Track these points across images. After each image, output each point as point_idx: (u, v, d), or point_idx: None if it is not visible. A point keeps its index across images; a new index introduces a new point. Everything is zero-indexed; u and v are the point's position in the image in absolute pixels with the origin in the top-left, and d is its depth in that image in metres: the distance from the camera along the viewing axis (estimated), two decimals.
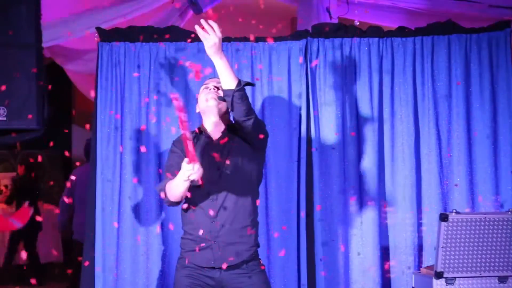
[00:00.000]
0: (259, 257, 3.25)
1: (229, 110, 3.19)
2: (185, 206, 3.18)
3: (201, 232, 3.13)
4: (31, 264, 7.52)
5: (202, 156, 3.16)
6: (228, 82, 3.02)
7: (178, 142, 3.29)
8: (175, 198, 3.12)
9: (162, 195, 3.16)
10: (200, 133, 3.28)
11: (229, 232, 3.14)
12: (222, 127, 3.25)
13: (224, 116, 3.25)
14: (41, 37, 3.31)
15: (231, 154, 3.19)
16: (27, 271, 7.44)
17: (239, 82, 3.03)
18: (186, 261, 3.18)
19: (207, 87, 3.26)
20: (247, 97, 3.07)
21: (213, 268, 3.14)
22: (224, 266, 3.11)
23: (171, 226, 3.83)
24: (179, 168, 3.01)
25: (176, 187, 3.06)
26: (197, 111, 3.33)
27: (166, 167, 3.27)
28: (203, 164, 3.01)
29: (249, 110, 3.08)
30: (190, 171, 2.91)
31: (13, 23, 3.22)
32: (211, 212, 3.13)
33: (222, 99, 3.17)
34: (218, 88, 3.21)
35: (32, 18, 3.26)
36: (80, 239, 5.36)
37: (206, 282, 3.15)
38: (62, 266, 7.79)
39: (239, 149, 3.21)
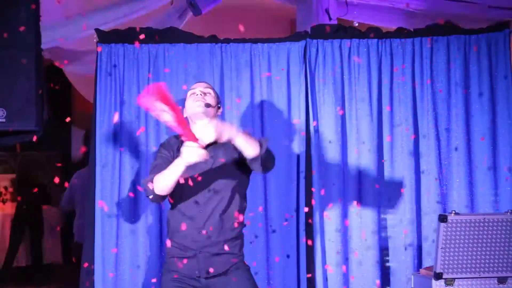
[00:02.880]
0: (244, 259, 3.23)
1: (217, 114, 3.23)
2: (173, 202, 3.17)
3: (187, 242, 3.11)
4: (34, 264, 7.51)
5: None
6: (252, 150, 2.98)
7: (168, 145, 3.25)
8: (164, 188, 3.03)
9: (150, 186, 3.06)
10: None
11: (215, 243, 3.11)
12: (210, 132, 3.17)
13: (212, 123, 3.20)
14: (41, 38, 3.30)
15: (219, 162, 3.15)
16: (29, 271, 7.44)
17: (260, 143, 3.00)
18: (171, 266, 3.16)
19: (194, 93, 3.25)
20: (268, 149, 3.06)
21: (198, 277, 3.13)
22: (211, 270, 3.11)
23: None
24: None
25: (170, 175, 2.98)
26: (185, 115, 3.26)
27: (153, 166, 3.19)
28: (186, 171, 2.99)
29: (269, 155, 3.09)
30: (194, 148, 2.87)
31: (13, 24, 3.21)
32: (198, 222, 3.10)
33: (209, 105, 3.17)
34: (205, 94, 3.21)
35: (32, 20, 3.26)
36: (82, 241, 5.38)
37: (192, 285, 3.12)
38: (61, 267, 7.79)
39: (228, 156, 3.16)
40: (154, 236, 3.90)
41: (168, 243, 3.19)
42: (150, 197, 3.11)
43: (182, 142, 3.09)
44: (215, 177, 3.14)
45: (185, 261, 3.11)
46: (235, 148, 3.06)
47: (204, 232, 3.09)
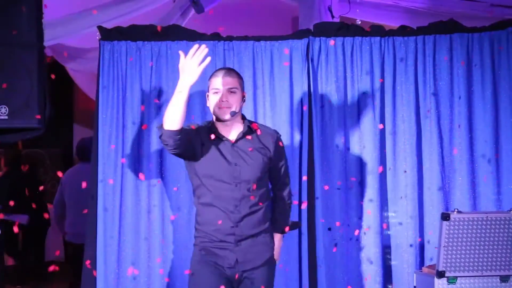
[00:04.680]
0: None
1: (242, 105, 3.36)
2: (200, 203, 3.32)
3: (222, 236, 3.23)
4: (37, 262, 7.50)
5: (219, 159, 3.24)
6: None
7: (198, 129, 3.32)
8: (172, 119, 3.10)
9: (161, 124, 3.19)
10: (216, 138, 3.30)
11: (249, 235, 3.25)
12: (238, 129, 3.31)
13: (238, 118, 3.34)
14: (43, 36, 3.31)
15: (248, 158, 3.27)
16: (33, 269, 7.44)
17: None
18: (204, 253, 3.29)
19: (216, 92, 3.27)
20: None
21: (232, 267, 3.24)
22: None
23: (172, 226, 3.84)
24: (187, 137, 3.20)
25: (173, 104, 3.09)
26: (207, 105, 3.38)
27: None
28: (221, 166, 3.20)
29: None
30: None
31: (15, 22, 3.21)
32: (233, 218, 3.22)
33: (234, 113, 3.26)
34: (229, 93, 3.26)
35: (34, 17, 3.26)
36: (73, 240, 5.37)
37: (226, 273, 3.25)
38: (64, 266, 7.79)
39: (256, 154, 3.29)
40: (157, 234, 3.90)
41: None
42: (164, 139, 3.15)
43: (211, 129, 3.30)
44: (245, 171, 3.25)
45: (220, 252, 3.23)
46: (264, 149, 3.32)
47: (239, 226, 3.22)
